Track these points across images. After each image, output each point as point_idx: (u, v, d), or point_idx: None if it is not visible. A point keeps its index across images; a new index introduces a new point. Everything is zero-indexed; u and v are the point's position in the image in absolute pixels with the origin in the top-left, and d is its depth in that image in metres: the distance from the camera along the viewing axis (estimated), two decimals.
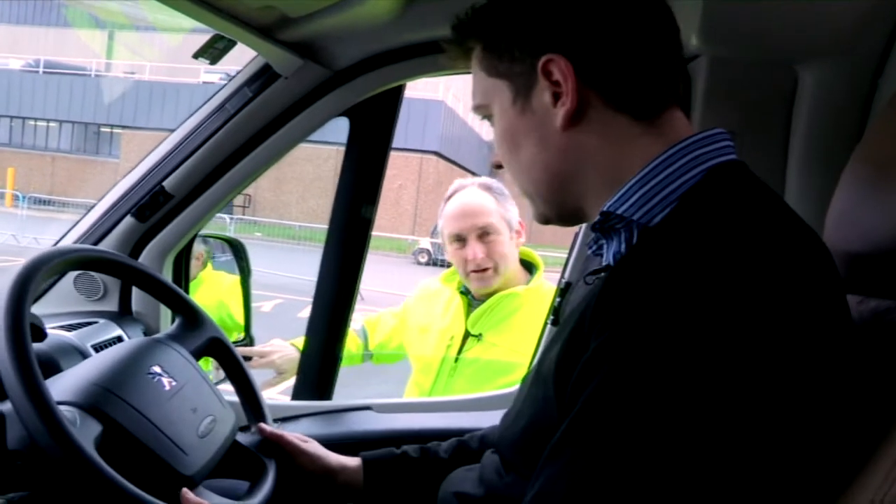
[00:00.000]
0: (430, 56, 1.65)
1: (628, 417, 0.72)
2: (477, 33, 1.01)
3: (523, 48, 0.95)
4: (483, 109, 1.03)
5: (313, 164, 22.99)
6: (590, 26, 0.91)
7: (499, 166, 1.06)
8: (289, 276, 12.88)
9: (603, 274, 0.93)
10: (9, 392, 0.97)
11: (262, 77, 1.66)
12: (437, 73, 1.71)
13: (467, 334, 2.28)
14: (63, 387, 1.09)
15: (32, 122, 32.87)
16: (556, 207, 1.01)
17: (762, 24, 1.40)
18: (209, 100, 1.72)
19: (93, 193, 27.11)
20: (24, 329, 1.01)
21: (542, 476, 0.78)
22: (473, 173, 29.62)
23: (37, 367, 0.99)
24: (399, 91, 1.75)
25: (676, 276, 0.75)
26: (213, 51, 1.60)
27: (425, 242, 20.50)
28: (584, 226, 1.80)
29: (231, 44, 1.59)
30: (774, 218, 0.84)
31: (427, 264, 19.62)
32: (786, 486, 0.75)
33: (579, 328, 0.82)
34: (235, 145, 1.69)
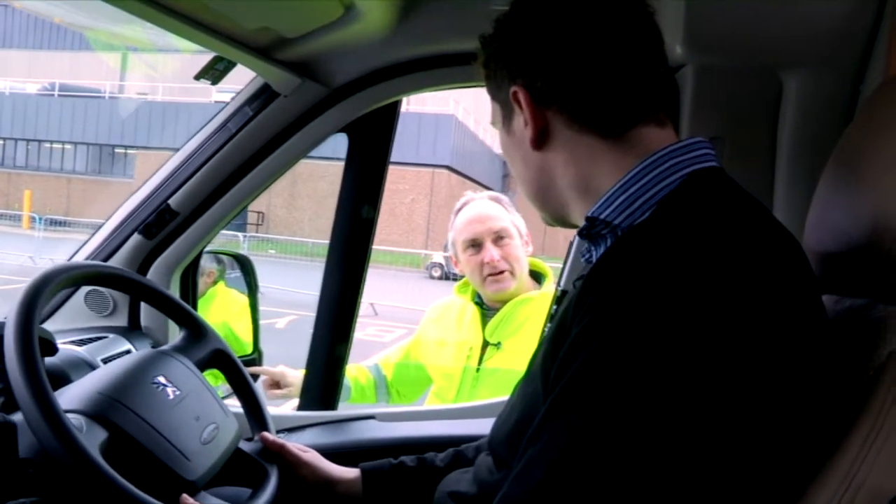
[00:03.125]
0: (425, 71, 1.69)
1: (604, 395, 0.77)
2: (480, 60, 1.09)
3: (502, 77, 1.03)
4: (495, 124, 1.12)
5: (326, 182, 23.05)
6: (548, 55, 0.98)
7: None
8: (302, 292, 12.92)
9: None
10: (19, 401, 1.02)
11: (262, 96, 1.71)
12: (432, 89, 1.75)
13: (486, 344, 2.31)
14: (71, 396, 1.14)
15: (48, 145, 33.19)
16: (549, 214, 1.09)
17: (745, 32, 1.43)
18: (211, 119, 1.77)
19: (108, 214, 27.31)
20: (33, 342, 1.06)
21: (524, 458, 0.83)
22: (486, 187, 29.59)
23: (45, 376, 1.03)
24: (396, 106, 1.79)
25: (650, 264, 0.80)
26: (213, 72, 1.66)
27: (438, 257, 20.48)
28: (576, 237, 1.83)
29: (231, 64, 1.64)
30: (748, 217, 0.89)
31: (440, 278, 19.59)
32: (754, 472, 0.78)
33: (563, 323, 0.87)
34: (238, 163, 1.74)
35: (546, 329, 1.85)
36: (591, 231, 0.98)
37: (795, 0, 1.36)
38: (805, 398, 0.81)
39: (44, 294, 1.14)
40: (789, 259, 0.86)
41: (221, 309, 2.58)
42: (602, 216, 0.94)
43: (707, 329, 0.76)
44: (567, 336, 0.84)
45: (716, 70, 1.54)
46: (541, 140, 1.00)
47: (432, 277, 19.97)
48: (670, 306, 0.77)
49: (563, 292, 1.81)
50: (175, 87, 31.82)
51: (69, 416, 1.05)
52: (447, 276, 19.28)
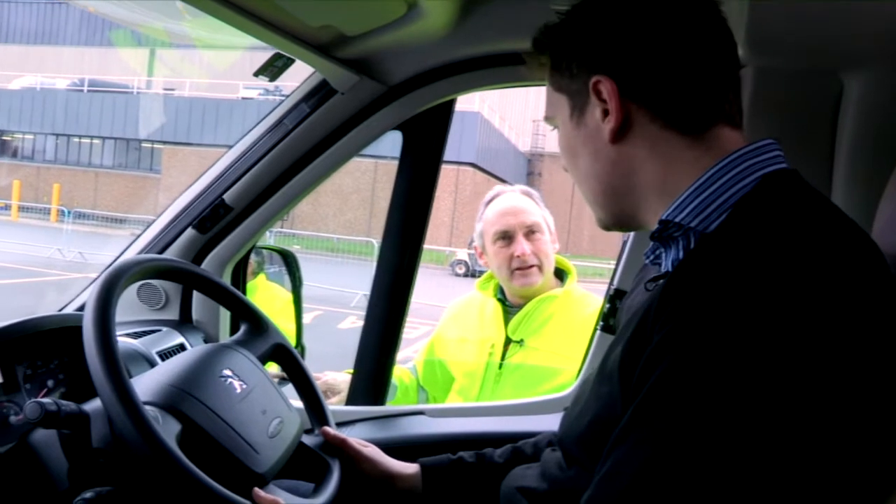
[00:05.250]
0: (482, 70, 1.70)
1: (691, 401, 0.77)
2: (545, 50, 1.08)
3: (579, 67, 1.02)
4: (550, 120, 1.11)
5: (352, 177, 23.18)
6: (637, 48, 0.98)
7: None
8: (328, 287, 12.99)
9: (662, 281, 0.97)
10: (99, 391, 1.03)
11: (320, 93, 1.72)
12: (487, 87, 1.76)
13: (508, 340, 2.30)
14: (143, 388, 1.15)
15: (77, 140, 33.58)
16: (613, 214, 1.07)
17: (808, 34, 1.41)
18: (267, 115, 1.78)
19: (135, 208, 27.60)
20: (112, 334, 1.08)
21: (609, 459, 0.83)
22: (510, 184, 29.56)
23: (124, 369, 1.05)
24: (451, 105, 1.80)
25: (734, 273, 0.80)
26: (273, 68, 1.67)
27: (462, 253, 20.50)
28: (631, 236, 1.83)
29: (290, 61, 1.65)
30: (826, 220, 0.88)
31: (465, 275, 19.61)
32: (839, 477, 0.78)
33: (642, 326, 0.87)
34: (293, 159, 1.75)
35: (599, 329, 1.85)
36: (662, 234, 0.98)
37: (858, 1, 1.35)
38: (890, 404, 0.80)
39: (118, 286, 1.16)
40: (871, 263, 0.86)
41: (263, 303, 2.60)
42: (677, 220, 0.95)
43: (792, 335, 0.76)
44: (647, 340, 0.84)
45: (776, 72, 1.53)
46: (621, 132, 0.99)
47: (456, 274, 19.98)
48: (755, 313, 0.77)
49: (618, 291, 1.81)
50: (202, 82, 32.07)
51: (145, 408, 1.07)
52: (471, 273, 19.28)
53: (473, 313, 2.44)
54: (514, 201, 2.34)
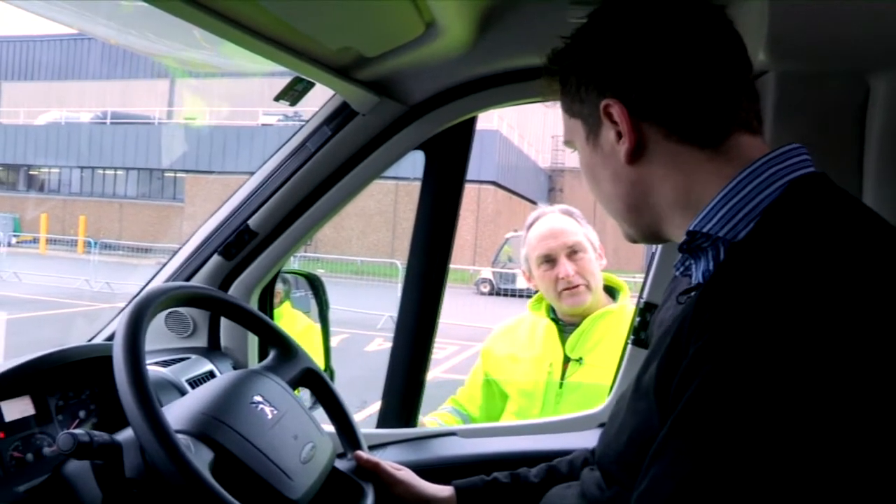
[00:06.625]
0: (502, 87, 1.69)
1: (730, 414, 0.75)
2: (555, 77, 1.08)
3: (588, 92, 1.02)
4: (570, 144, 1.11)
5: (374, 200, 23.28)
6: (641, 67, 0.97)
7: None
8: (354, 310, 13.01)
9: (694, 293, 0.95)
10: (131, 421, 1.03)
11: (341, 115, 1.72)
12: (509, 104, 1.75)
13: (567, 359, 2.29)
14: (175, 416, 1.15)
15: (101, 171, 34.05)
16: (639, 230, 1.07)
17: (831, 35, 1.39)
18: (289, 139, 1.79)
19: (160, 237, 27.86)
20: (142, 362, 1.08)
21: (648, 475, 0.82)
22: (532, 201, 29.56)
23: (154, 397, 1.05)
24: (472, 123, 1.80)
25: (769, 280, 0.79)
26: (293, 93, 1.68)
27: (487, 272, 20.47)
28: (659, 248, 1.81)
29: (310, 85, 1.66)
30: (859, 222, 0.87)
31: (490, 294, 19.58)
32: (881, 489, 0.76)
33: (677, 340, 0.86)
34: (317, 182, 1.75)
35: (630, 343, 1.83)
36: (691, 245, 0.96)
37: (884, 0, 1.33)
38: None
39: (147, 315, 1.16)
40: None
41: (286, 329, 2.60)
42: (705, 230, 0.93)
43: (830, 341, 0.74)
44: (682, 353, 0.83)
45: (799, 76, 1.51)
46: (636, 154, 0.99)
47: (481, 293, 19.94)
48: (792, 321, 0.75)
49: (648, 304, 1.79)
50: (222, 110, 32.43)
51: (177, 436, 1.06)
52: (497, 292, 19.24)
53: (524, 333, 2.43)
54: (554, 223, 2.34)
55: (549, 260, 2.29)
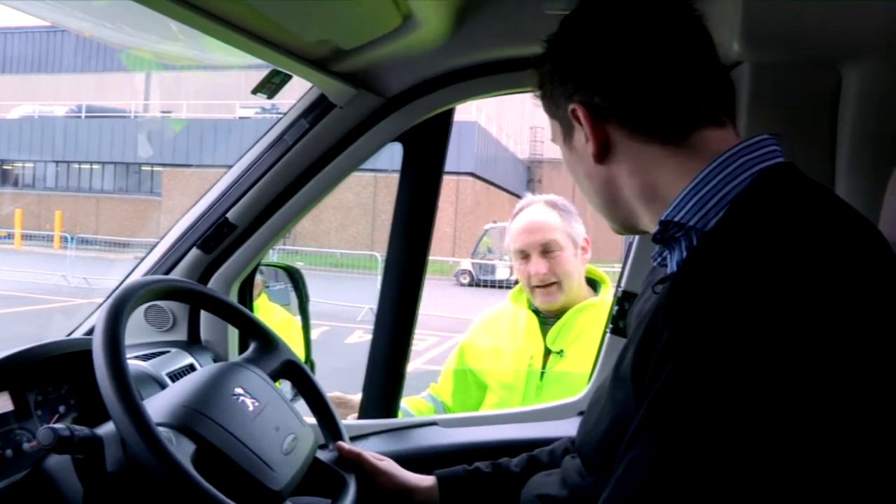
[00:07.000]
0: (479, 78, 1.70)
1: (702, 397, 0.77)
2: (536, 80, 1.11)
3: (559, 97, 1.06)
4: (555, 142, 1.13)
5: (353, 192, 23.21)
6: (604, 73, 1.00)
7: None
8: (334, 303, 12.99)
9: (668, 282, 0.97)
10: (112, 414, 1.03)
11: (318, 108, 1.72)
12: (487, 95, 1.76)
13: (548, 351, 2.29)
14: (155, 409, 1.15)
15: (77, 166, 33.68)
16: (617, 223, 1.11)
17: (805, 25, 1.41)
18: (267, 132, 1.78)
19: (137, 231, 27.64)
20: (122, 356, 1.08)
21: (625, 459, 0.83)
22: (511, 192, 29.58)
23: (135, 391, 1.05)
24: (450, 114, 1.80)
25: (738, 266, 0.81)
26: (270, 85, 1.67)
27: (466, 263, 20.48)
28: (636, 238, 1.83)
29: (287, 78, 1.65)
30: (828, 210, 0.88)
31: (469, 285, 19.60)
32: (854, 473, 0.77)
33: (652, 327, 0.87)
34: (295, 174, 1.75)
35: (609, 332, 1.85)
36: (664, 235, 0.98)
37: None
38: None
39: (126, 308, 1.16)
40: (876, 252, 0.85)
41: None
42: (676, 219, 0.95)
43: (799, 325, 0.76)
44: (657, 340, 0.84)
45: (773, 66, 1.53)
46: (603, 154, 1.02)
47: (461, 284, 19.97)
48: (761, 305, 0.77)
49: (625, 293, 1.81)
50: (199, 104, 32.16)
51: (159, 429, 1.06)
52: (476, 283, 19.27)
53: (505, 325, 2.42)
54: (534, 216, 2.32)
55: (524, 255, 2.29)
